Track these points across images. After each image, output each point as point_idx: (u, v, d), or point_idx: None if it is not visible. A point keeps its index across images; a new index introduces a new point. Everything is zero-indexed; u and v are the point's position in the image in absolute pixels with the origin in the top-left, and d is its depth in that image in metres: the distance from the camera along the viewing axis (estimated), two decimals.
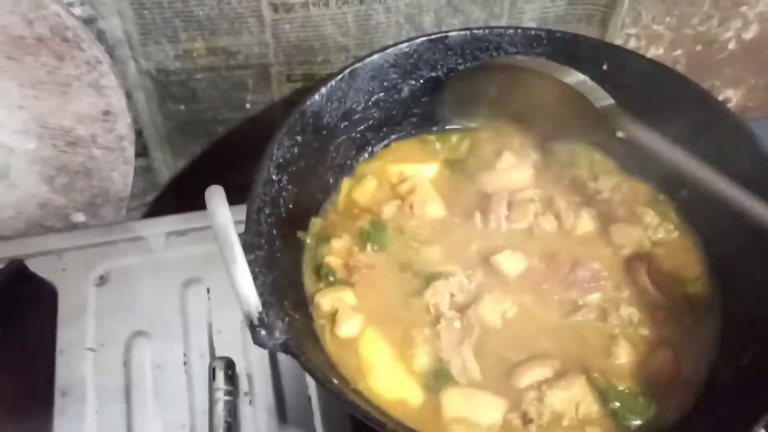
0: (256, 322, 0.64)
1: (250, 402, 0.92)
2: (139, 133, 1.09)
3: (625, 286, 0.86)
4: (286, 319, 0.74)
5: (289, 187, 0.85)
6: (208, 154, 1.18)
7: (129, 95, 1.03)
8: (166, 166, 1.18)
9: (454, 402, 0.77)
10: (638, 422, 0.77)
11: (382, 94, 0.94)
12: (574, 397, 0.77)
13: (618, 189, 0.95)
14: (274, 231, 0.80)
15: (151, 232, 1.03)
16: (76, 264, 1.00)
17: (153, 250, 1.02)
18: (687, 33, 1.21)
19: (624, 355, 0.81)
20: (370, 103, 0.94)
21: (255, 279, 0.70)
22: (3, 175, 1.00)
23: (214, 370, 0.91)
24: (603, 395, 0.78)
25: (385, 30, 1.04)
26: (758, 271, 0.82)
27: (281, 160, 0.83)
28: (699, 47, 1.24)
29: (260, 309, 0.64)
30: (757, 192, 0.76)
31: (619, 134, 0.87)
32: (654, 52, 1.22)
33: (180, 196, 1.22)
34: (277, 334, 0.68)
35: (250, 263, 0.71)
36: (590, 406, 0.77)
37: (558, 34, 0.95)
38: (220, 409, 0.88)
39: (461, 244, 0.88)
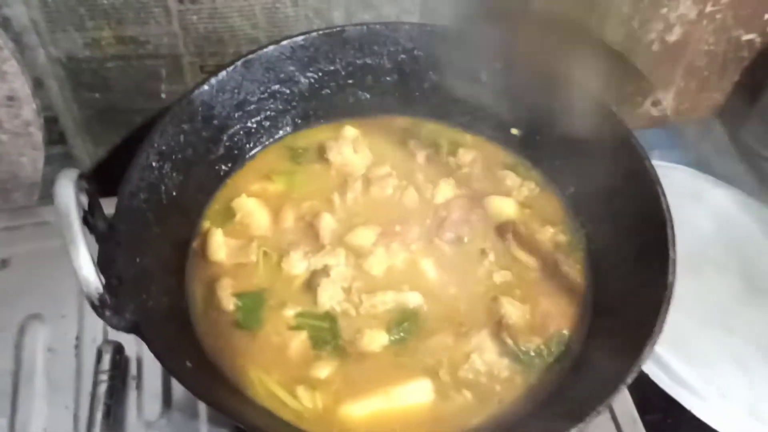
0: (96, 303, 0.65)
1: (137, 386, 0.93)
2: (54, 120, 1.10)
3: (493, 250, 0.90)
4: (150, 302, 0.75)
5: (173, 174, 0.86)
6: (129, 143, 1.18)
7: (41, 82, 1.04)
8: (87, 154, 1.19)
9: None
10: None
11: (278, 86, 0.95)
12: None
13: (477, 162, 0.98)
14: (150, 216, 0.82)
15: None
16: None
17: (57, 236, 1.03)
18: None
19: (513, 312, 0.84)
20: (266, 94, 0.95)
21: (113, 261, 0.72)
22: None
23: (100, 353, 0.92)
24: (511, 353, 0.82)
25: (294, 23, 1.04)
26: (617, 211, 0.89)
27: (164, 147, 0.85)
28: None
29: (100, 290, 0.65)
30: None
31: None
32: None
33: (103, 185, 1.23)
34: (127, 315, 0.69)
35: (111, 246, 0.73)
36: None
37: (453, 32, 0.95)
38: (101, 391, 0.89)
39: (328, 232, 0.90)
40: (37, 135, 1.04)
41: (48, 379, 0.93)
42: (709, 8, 1.21)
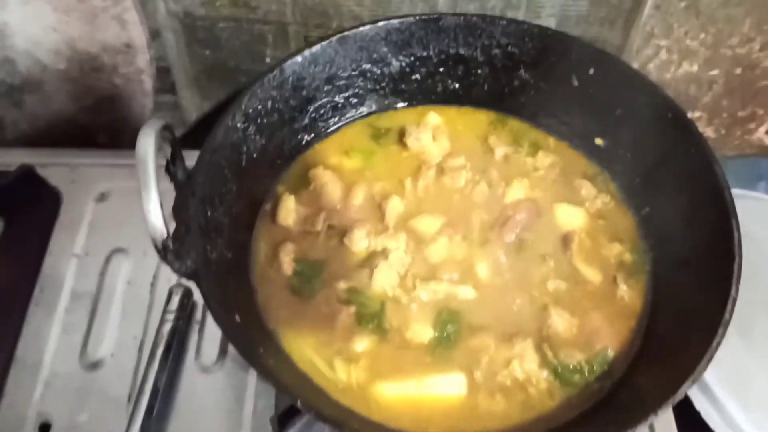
0: (159, 247, 0.71)
1: (199, 331, 1.00)
2: (167, 71, 1.18)
3: (553, 258, 0.89)
4: (214, 254, 0.80)
5: (256, 137, 0.91)
6: (232, 100, 1.25)
7: (158, 33, 1.12)
8: (194, 106, 1.27)
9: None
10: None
11: (369, 65, 0.98)
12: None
13: (555, 166, 0.97)
14: (228, 173, 0.86)
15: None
16: (84, 178, 1.12)
17: None
18: (724, 53, 1.15)
19: (560, 324, 0.83)
20: (357, 71, 0.98)
21: (185, 209, 0.77)
22: (38, 88, 1.12)
23: (170, 294, 0.99)
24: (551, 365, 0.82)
25: (399, 5, 1.06)
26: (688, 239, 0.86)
27: (251, 110, 0.89)
28: (738, 70, 1.18)
29: (164, 236, 0.70)
30: None
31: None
32: (687, 69, 1.18)
33: (206, 136, 1.30)
34: (188, 262, 0.74)
35: (185, 195, 0.78)
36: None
37: (550, 32, 0.94)
38: (165, 329, 0.96)
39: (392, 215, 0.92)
40: (148, 83, 1.12)
41: (123, 309, 1.01)
42: None
